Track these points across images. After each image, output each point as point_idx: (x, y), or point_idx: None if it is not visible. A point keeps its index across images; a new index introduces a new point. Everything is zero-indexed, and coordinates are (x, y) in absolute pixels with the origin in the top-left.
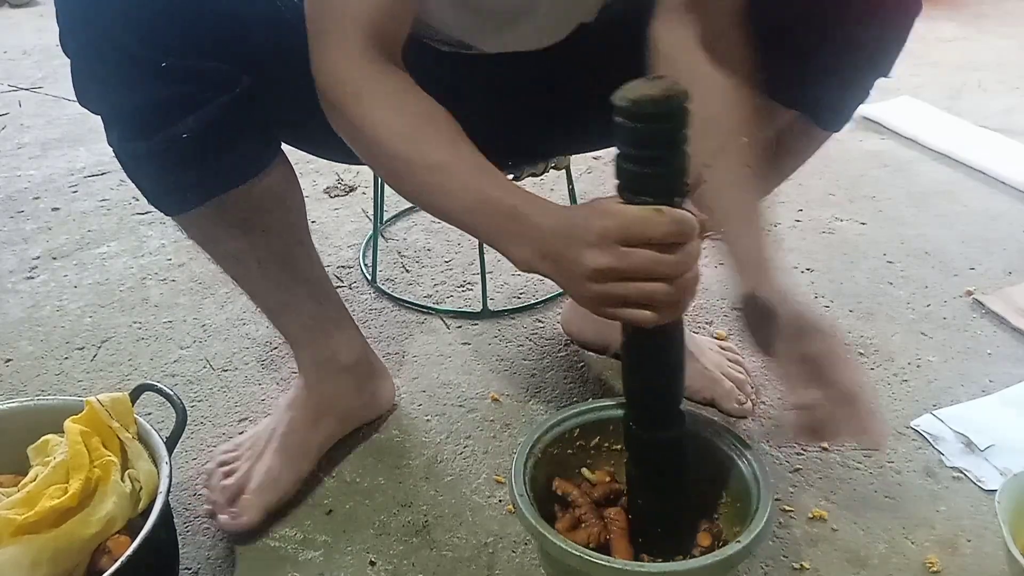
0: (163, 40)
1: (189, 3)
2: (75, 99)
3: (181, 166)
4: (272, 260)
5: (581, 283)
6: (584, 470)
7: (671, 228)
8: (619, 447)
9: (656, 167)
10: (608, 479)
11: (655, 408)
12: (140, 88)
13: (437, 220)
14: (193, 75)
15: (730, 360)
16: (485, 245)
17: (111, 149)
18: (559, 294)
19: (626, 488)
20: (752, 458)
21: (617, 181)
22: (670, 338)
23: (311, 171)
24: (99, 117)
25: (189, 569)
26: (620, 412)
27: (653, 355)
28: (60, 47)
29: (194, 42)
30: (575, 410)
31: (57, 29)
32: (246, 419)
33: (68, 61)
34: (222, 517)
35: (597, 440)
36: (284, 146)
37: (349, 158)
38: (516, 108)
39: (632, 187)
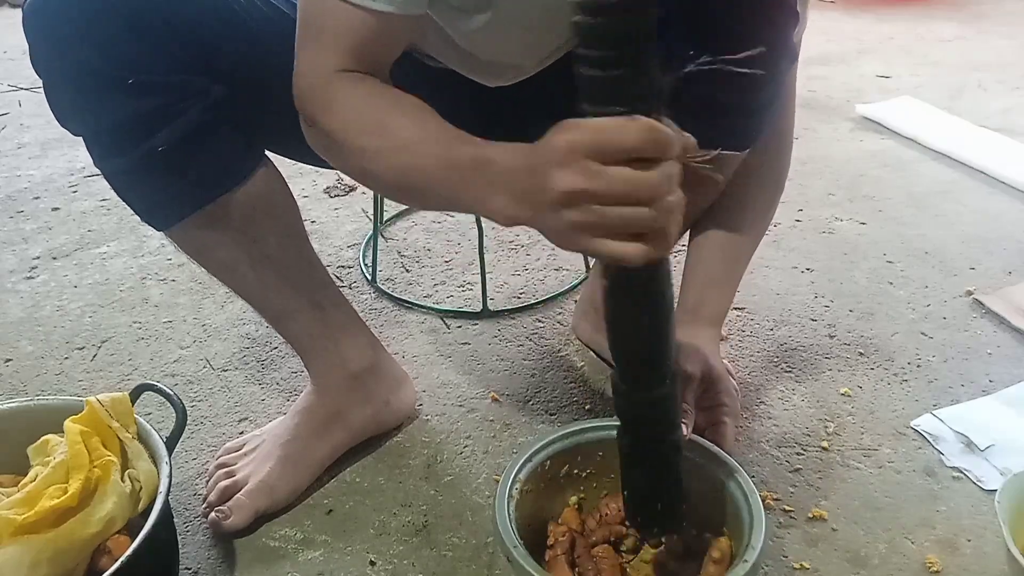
0: (128, 57)
1: (151, 18)
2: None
3: (162, 179)
4: (267, 268)
5: (554, 214)
6: (551, 523)
7: (646, 136)
8: (586, 472)
9: (623, 70)
10: (578, 521)
11: (643, 364)
12: (111, 106)
13: (437, 219)
14: (162, 89)
15: None
16: (485, 245)
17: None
18: (559, 294)
19: (620, 464)
20: (734, 467)
21: (579, 92)
22: (656, 280)
23: (311, 171)
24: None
25: (189, 569)
26: (586, 437)
27: (639, 301)
28: (32, 69)
29: (159, 56)
30: (544, 441)
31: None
32: (246, 419)
33: None
34: (212, 515)
35: (566, 468)
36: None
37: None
38: (510, 110)
39: (597, 96)
